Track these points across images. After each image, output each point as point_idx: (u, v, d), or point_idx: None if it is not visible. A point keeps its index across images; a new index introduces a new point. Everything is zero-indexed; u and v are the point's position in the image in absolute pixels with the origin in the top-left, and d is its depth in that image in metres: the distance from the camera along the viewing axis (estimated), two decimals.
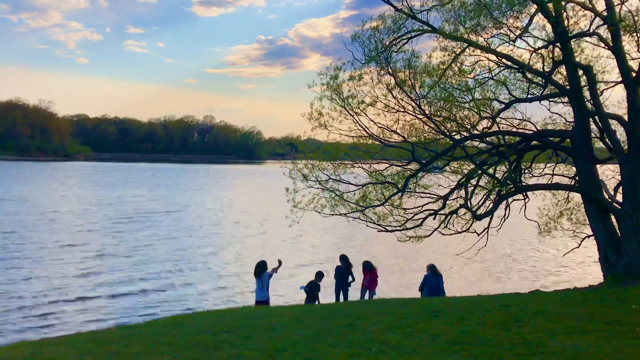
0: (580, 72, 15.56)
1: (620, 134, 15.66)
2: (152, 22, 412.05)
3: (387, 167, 17.12)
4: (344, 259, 17.53)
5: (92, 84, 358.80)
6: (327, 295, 17.43)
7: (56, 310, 18.92)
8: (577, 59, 15.80)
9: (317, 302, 16.01)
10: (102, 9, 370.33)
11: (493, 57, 16.18)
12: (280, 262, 15.66)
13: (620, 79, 15.28)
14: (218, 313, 12.82)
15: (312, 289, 16.27)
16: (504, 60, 16.01)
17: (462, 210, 16.45)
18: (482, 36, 16.00)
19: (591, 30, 15.29)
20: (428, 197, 16.77)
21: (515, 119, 17.27)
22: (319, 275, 16.70)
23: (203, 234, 37.46)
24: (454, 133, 16.53)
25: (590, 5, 15.25)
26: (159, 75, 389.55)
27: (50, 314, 18.46)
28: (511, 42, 15.94)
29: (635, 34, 15.27)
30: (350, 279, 17.25)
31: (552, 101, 17.02)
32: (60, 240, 32.08)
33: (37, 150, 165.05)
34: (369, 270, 17.39)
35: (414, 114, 16.60)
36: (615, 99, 16.88)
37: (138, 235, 35.12)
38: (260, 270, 15.02)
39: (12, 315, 18.01)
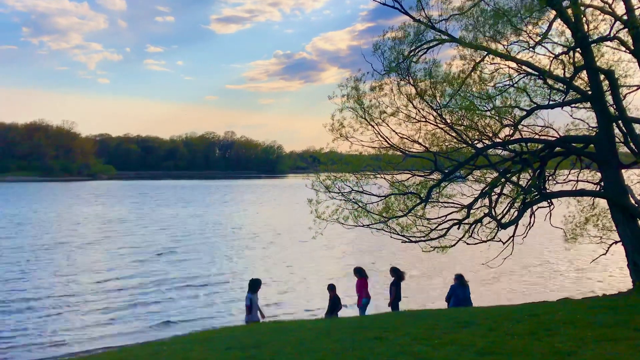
0: (602, 77, 15.44)
1: None
2: (170, 41, 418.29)
3: (409, 178, 17.07)
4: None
5: (113, 103, 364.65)
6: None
7: (87, 325, 19.12)
8: (598, 64, 15.67)
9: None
10: (121, 30, 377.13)
11: (513, 64, 16.14)
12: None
13: None
14: (246, 328, 12.86)
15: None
16: (524, 67, 15.96)
17: (486, 219, 16.32)
18: (501, 43, 15.99)
19: (611, 34, 15.18)
20: (452, 207, 16.64)
21: (537, 125, 17.08)
22: (333, 287, 16.36)
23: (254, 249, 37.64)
24: (476, 141, 16.45)
25: (609, 10, 15.15)
26: (179, 93, 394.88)
27: (81, 330, 18.64)
28: (531, 49, 15.92)
29: None
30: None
31: (574, 107, 16.82)
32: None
33: (62, 170, 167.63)
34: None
35: (435, 124, 16.55)
36: (638, 103, 16.72)
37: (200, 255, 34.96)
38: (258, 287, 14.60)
39: (47, 328, 18.25)
